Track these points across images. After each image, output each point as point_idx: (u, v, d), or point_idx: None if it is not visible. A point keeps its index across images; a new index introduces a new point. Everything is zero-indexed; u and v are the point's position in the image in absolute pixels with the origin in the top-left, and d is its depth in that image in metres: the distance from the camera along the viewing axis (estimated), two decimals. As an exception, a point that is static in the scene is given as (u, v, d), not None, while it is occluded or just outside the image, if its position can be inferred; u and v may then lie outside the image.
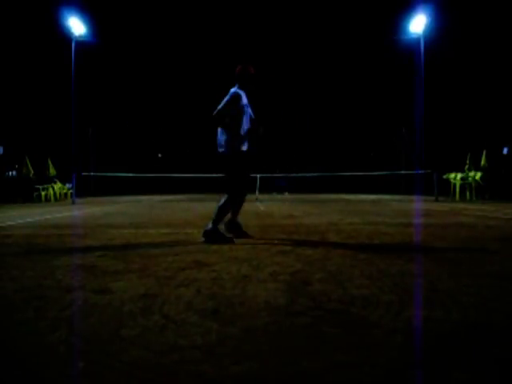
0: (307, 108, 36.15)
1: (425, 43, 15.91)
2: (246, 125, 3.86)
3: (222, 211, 3.73)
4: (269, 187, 24.43)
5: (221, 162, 3.84)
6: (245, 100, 3.86)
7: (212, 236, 3.65)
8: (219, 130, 3.84)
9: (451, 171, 14.55)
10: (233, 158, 3.76)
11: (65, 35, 16.07)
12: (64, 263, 2.67)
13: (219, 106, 3.72)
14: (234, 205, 3.87)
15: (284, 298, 1.81)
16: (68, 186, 16.49)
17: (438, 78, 24.62)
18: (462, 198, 13.50)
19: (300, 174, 26.72)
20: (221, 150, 3.82)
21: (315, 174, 24.42)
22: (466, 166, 14.03)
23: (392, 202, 13.08)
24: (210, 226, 3.69)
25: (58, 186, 15.83)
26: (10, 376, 1.11)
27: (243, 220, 6.12)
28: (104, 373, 1.10)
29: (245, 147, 3.83)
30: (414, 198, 15.98)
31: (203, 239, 3.67)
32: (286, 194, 24.39)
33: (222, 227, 3.86)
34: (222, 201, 3.76)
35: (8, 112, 29.49)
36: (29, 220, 6.32)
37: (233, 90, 3.83)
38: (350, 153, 35.87)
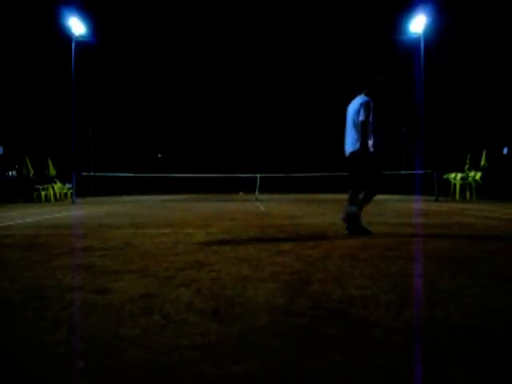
0: (307, 108, 36.19)
1: (425, 43, 15.90)
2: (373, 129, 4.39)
3: (362, 204, 4.21)
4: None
5: (352, 162, 4.29)
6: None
7: (355, 227, 4.16)
8: (353, 134, 4.27)
9: (451, 171, 14.55)
10: (366, 158, 4.21)
11: (65, 35, 16.07)
12: (64, 263, 2.67)
13: (362, 117, 4.15)
14: (372, 198, 4.29)
15: (284, 298, 1.81)
16: (68, 185, 16.48)
17: (437, 77, 24.61)
18: (462, 198, 13.50)
19: (300, 174, 26.67)
20: (350, 151, 4.27)
21: (315, 174, 24.36)
22: (466, 166, 14.02)
23: (392, 201, 13.08)
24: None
25: (57, 186, 15.83)
26: (10, 376, 1.11)
27: (243, 220, 6.13)
28: (104, 373, 1.10)
29: (372, 148, 4.31)
30: (414, 198, 15.98)
31: (347, 232, 4.18)
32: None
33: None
34: (363, 195, 4.22)
35: (8, 112, 29.47)
36: (29, 220, 6.32)
37: (366, 98, 4.28)
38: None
